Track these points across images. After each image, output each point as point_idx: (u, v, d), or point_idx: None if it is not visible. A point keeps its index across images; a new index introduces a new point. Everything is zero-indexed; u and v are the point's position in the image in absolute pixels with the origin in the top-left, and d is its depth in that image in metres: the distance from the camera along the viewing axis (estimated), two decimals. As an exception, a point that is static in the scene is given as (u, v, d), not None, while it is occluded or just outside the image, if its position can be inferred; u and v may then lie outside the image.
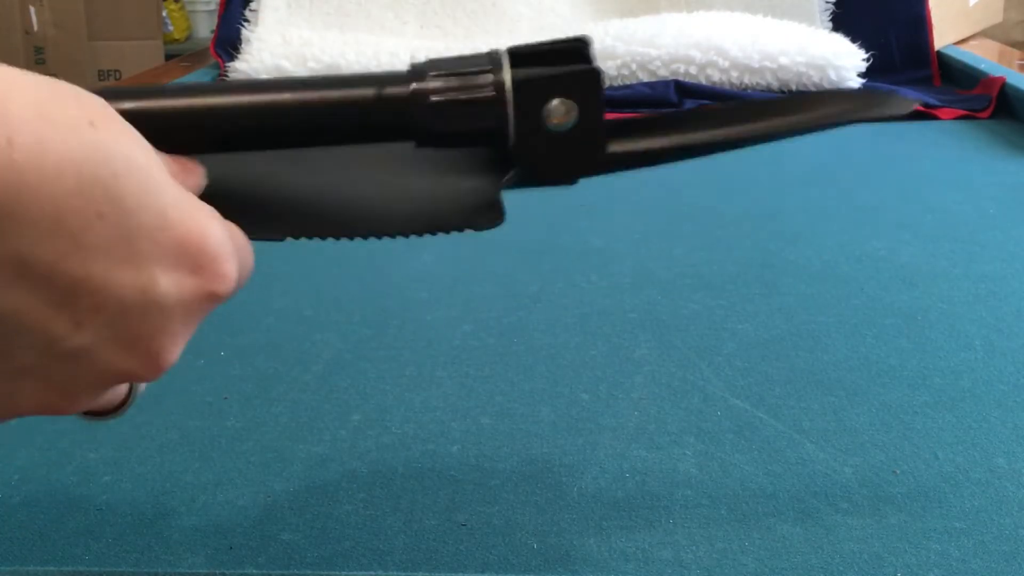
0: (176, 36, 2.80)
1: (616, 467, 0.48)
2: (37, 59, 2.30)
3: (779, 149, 1.24)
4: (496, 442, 0.50)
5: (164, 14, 2.64)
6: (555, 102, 0.32)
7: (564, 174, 0.34)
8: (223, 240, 0.27)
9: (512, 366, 0.59)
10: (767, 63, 1.37)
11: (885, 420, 0.52)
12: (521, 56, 0.32)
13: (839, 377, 0.57)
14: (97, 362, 0.26)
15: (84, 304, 0.24)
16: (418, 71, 0.31)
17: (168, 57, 2.27)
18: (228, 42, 1.46)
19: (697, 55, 1.36)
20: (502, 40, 1.46)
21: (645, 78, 1.39)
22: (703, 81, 1.38)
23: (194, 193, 0.30)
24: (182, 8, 2.86)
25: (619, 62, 1.36)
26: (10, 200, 0.22)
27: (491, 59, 0.31)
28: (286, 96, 0.31)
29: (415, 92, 0.31)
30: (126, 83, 1.41)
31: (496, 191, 0.33)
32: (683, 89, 1.37)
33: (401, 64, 1.42)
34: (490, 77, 0.31)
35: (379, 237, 0.33)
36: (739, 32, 1.40)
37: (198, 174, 0.30)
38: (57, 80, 0.25)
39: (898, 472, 0.47)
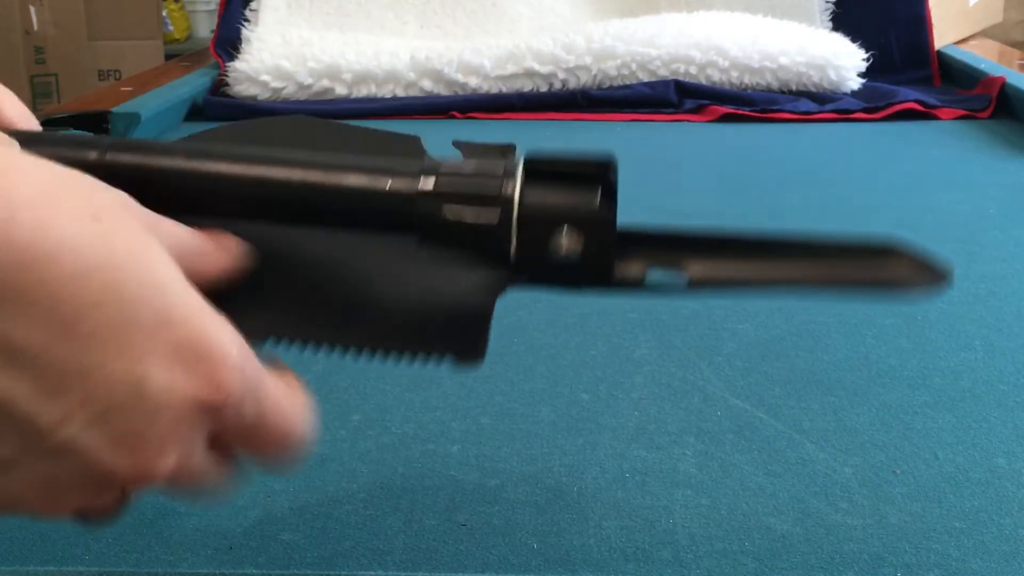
0: (176, 36, 2.80)
1: (616, 467, 0.48)
2: (37, 59, 2.30)
3: (779, 149, 1.24)
4: (496, 442, 0.50)
5: (164, 14, 2.64)
6: (563, 236, 0.30)
7: (566, 290, 0.32)
8: (228, 348, 0.26)
9: (512, 366, 0.59)
10: (767, 63, 1.37)
11: (885, 420, 0.52)
12: (538, 171, 0.30)
13: (839, 377, 0.57)
14: (82, 459, 0.25)
15: (73, 396, 0.24)
16: (429, 167, 0.30)
17: (168, 57, 2.27)
18: (228, 42, 1.46)
19: (697, 55, 1.36)
20: (502, 40, 1.46)
21: (645, 78, 1.39)
22: (703, 81, 1.38)
23: (227, 269, 0.30)
24: (182, 8, 2.86)
25: (619, 62, 1.36)
26: (6, 280, 0.22)
27: (505, 170, 0.30)
28: (293, 173, 0.30)
29: (420, 193, 0.30)
30: (126, 82, 1.40)
31: (489, 306, 0.32)
32: (683, 89, 1.37)
33: (402, 64, 1.42)
34: (498, 192, 0.30)
35: (359, 354, 0.32)
36: (739, 32, 1.40)
37: (234, 253, 0.30)
38: (76, 174, 0.25)
39: (898, 472, 0.47)
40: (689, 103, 1.35)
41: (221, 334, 0.26)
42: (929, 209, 0.89)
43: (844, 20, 1.55)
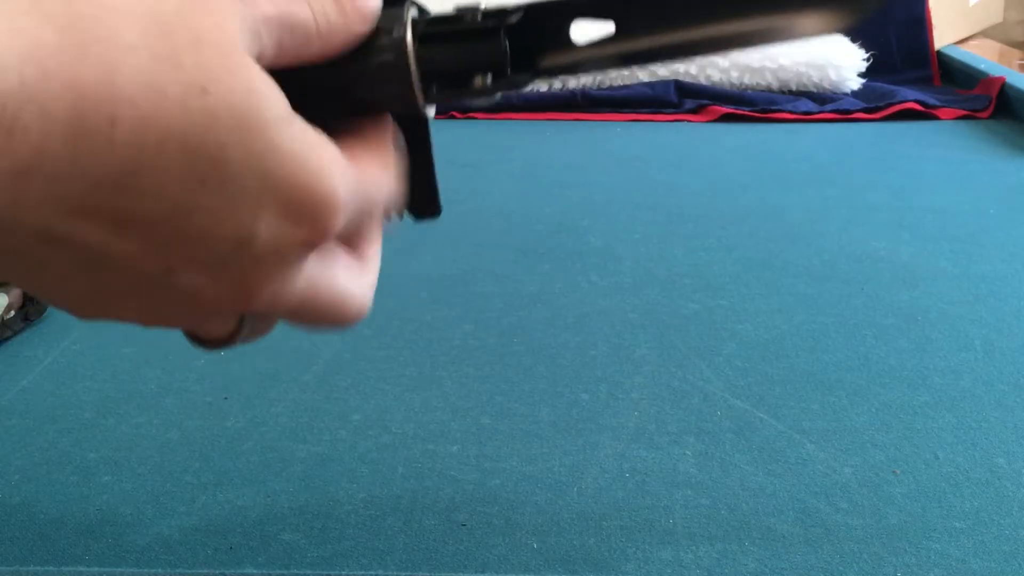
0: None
1: (616, 467, 0.48)
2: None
3: (779, 149, 1.25)
4: (496, 442, 0.50)
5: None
6: (474, 79, 0.30)
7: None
8: (335, 195, 0.26)
9: (512, 366, 0.59)
10: (767, 63, 1.37)
11: (885, 420, 0.52)
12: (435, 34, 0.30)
13: (839, 377, 0.57)
14: (187, 293, 0.26)
15: (180, 254, 0.25)
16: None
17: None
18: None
19: (697, 55, 1.36)
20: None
21: (645, 78, 1.39)
22: (703, 81, 1.38)
23: (357, 35, 0.29)
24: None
25: (619, 62, 1.36)
26: (111, 176, 0.23)
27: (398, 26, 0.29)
28: None
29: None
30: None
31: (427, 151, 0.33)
32: (683, 89, 1.37)
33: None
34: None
35: None
36: (739, 32, 1.40)
37: (366, 13, 0.29)
38: (184, 25, 0.24)
39: (898, 472, 0.47)
40: (689, 103, 1.35)
41: (327, 181, 0.26)
42: (929, 209, 0.89)
43: (844, 20, 1.55)
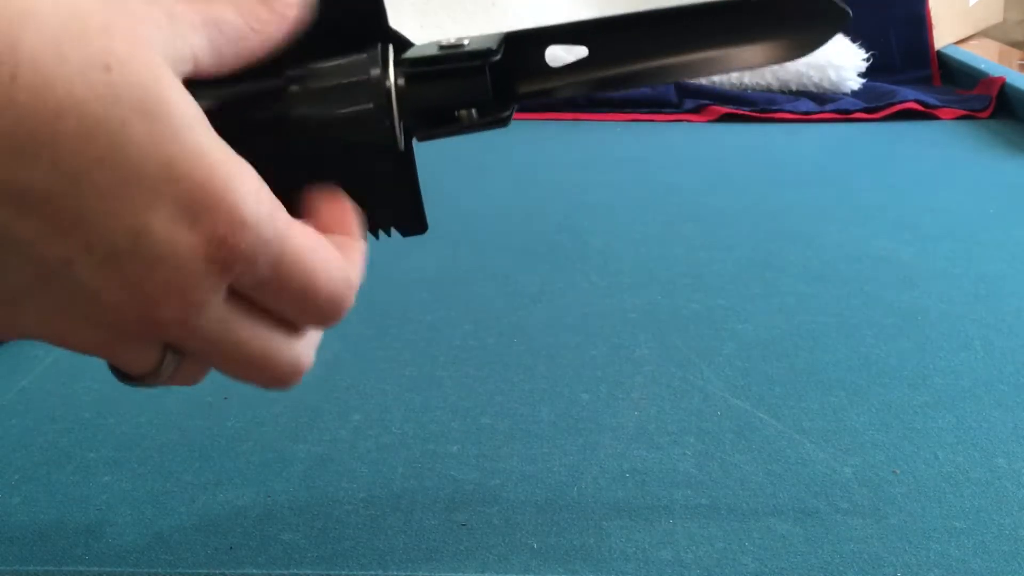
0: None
1: (616, 467, 0.48)
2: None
3: (779, 149, 1.24)
4: (496, 442, 0.50)
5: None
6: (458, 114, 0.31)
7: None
8: (238, 202, 0.25)
9: (512, 366, 0.59)
10: (767, 63, 1.37)
11: (885, 420, 0.52)
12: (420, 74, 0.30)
13: (839, 377, 0.57)
14: (90, 297, 0.25)
15: (78, 239, 0.24)
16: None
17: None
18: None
19: (697, 55, 1.36)
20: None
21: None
22: (703, 81, 1.38)
23: (286, 34, 0.29)
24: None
25: (619, 62, 1.36)
26: (7, 135, 0.22)
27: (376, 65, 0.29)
28: None
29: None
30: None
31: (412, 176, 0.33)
32: (683, 89, 1.37)
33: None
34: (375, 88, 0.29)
35: None
36: (739, 32, 1.40)
37: (292, 14, 0.29)
38: (99, 7, 0.24)
39: (898, 472, 0.47)
40: (689, 103, 1.35)
41: (233, 186, 0.25)
42: (929, 209, 0.89)
43: (844, 20, 1.55)
